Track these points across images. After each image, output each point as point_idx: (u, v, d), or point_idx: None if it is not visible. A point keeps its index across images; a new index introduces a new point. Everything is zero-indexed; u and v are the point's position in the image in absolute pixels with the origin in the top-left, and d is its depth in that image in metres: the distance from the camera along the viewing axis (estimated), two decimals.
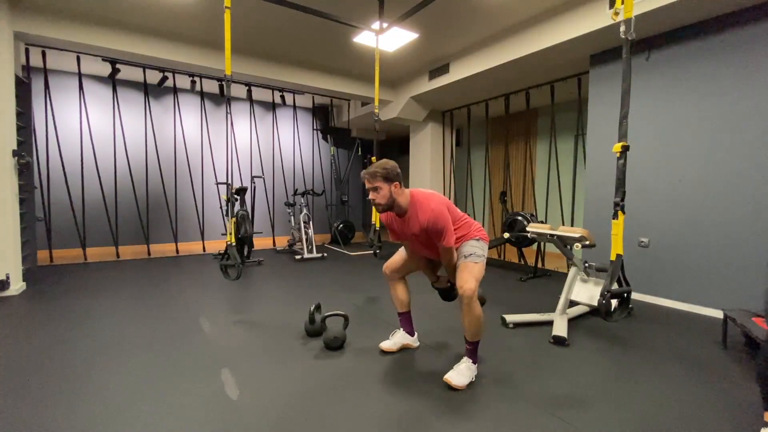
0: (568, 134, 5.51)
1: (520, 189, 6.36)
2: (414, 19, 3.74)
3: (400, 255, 2.22)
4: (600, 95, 3.89)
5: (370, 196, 1.89)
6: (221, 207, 6.46)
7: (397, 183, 1.87)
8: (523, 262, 4.99)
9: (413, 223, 1.90)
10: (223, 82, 5.31)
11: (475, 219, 6.36)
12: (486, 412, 1.67)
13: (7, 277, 3.36)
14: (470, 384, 1.89)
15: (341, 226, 6.92)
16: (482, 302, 1.96)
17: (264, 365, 2.09)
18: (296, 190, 6.57)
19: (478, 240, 2.00)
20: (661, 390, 1.90)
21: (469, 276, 1.85)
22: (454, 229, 1.94)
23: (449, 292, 2.14)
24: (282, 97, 6.34)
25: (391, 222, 2.04)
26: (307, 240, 5.51)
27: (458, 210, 2.06)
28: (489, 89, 5.33)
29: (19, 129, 3.68)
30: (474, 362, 1.94)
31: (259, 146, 6.80)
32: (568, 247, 2.87)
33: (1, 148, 3.36)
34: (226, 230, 4.62)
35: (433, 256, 2.09)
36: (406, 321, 2.31)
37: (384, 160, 1.89)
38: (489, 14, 3.79)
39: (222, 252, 4.88)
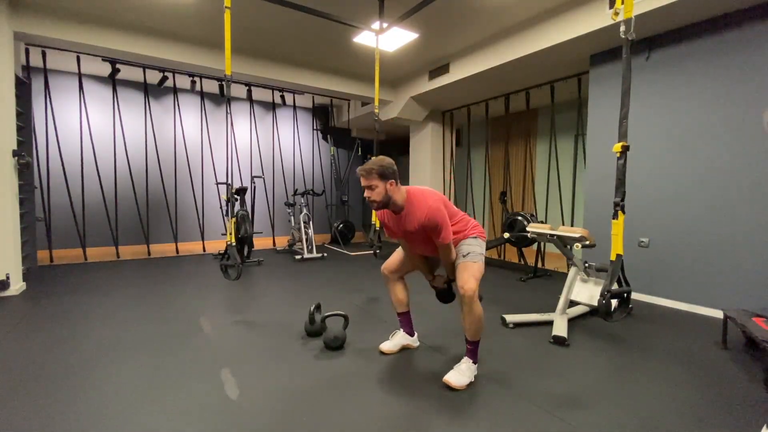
0: (568, 134, 5.51)
1: (520, 189, 6.36)
2: (414, 19, 3.74)
3: (397, 255, 2.22)
4: (600, 95, 3.89)
5: (366, 193, 1.88)
6: (221, 207, 6.46)
7: (393, 181, 1.86)
8: (523, 262, 4.99)
9: (410, 220, 1.90)
10: (223, 82, 5.30)
11: (475, 219, 6.38)
12: (486, 412, 1.67)
13: (7, 277, 3.36)
14: (470, 384, 1.89)
15: (341, 226, 6.92)
16: (479, 299, 1.95)
17: (264, 365, 2.09)
18: (296, 190, 6.57)
19: (475, 238, 2.00)
20: (661, 390, 1.90)
21: (469, 276, 1.85)
22: (452, 225, 1.93)
23: (447, 293, 2.13)
24: (282, 97, 6.34)
25: (387, 219, 2.04)
26: (307, 240, 5.51)
27: (454, 207, 2.05)
28: (489, 89, 5.33)
29: (19, 129, 3.68)
30: (474, 362, 1.94)
31: (259, 146, 6.80)
32: (568, 247, 2.87)
33: (1, 148, 3.36)
34: (226, 230, 4.62)
35: (431, 254, 2.08)
36: (406, 321, 2.31)
37: (380, 157, 1.89)
38: (489, 14, 3.79)
39: (222, 252, 4.89)
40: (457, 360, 1.98)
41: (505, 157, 6.03)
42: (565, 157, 5.42)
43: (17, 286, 3.46)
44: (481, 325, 1.90)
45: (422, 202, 1.85)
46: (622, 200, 1.93)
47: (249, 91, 5.98)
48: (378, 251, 3.75)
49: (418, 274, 2.25)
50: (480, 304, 1.89)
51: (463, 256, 1.92)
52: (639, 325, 2.86)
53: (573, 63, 4.18)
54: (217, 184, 6.19)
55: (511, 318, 2.77)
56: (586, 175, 4.11)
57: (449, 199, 3.62)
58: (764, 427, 1.46)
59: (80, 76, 4.99)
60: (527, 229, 3.20)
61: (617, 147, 1.93)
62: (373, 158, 1.91)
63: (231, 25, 2.84)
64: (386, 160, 1.87)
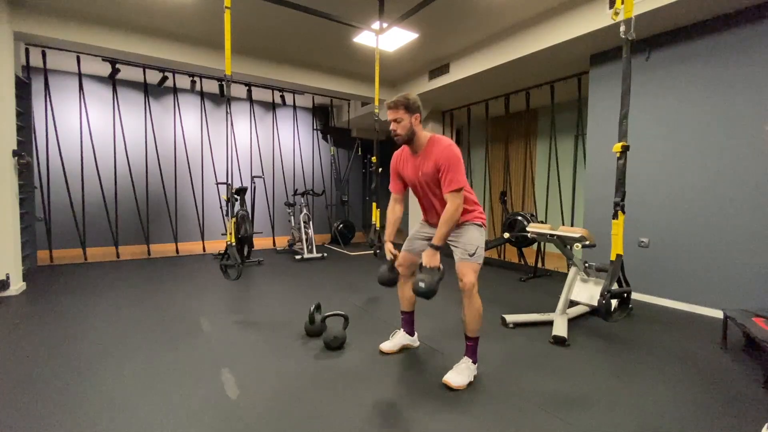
0: (568, 134, 5.51)
1: (520, 189, 6.36)
2: (414, 19, 3.74)
3: (407, 253, 2.18)
4: (600, 95, 3.89)
5: (392, 127, 1.91)
6: (221, 207, 6.46)
7: (418, 115, 1.90)
8: (523, 262, 4.99)
9: (428, 158, 1.89)
10: (223, 82, 5.31)
11: None
12: (486, 412, 1.67)
13: (7, 277, 3.36)
14: (470, 384, 1.89)
15: (341, 226, 6.92)
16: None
17: (264, 365, 2.09)
18: (296, 190, 6.57)
19: (480, 227, 1.97)
20: (661, 390, 1.90)
21: (468, 269, 1.86)
22: (465, 201, 1.90)
23: (393, 274, 2.06)
24: (282, 97, 6.33)
25: (402, 165, 2.04)
26: (307, 240, 5.51)
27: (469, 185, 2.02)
28: (489, 89, 5.33)
29: (19, 129, 3.68)
30: (474, 362, 1.94)
31: (259, 146, 6.80)
32: (568, 247, 2.87)
33: (1, 148, 3.36)
34: (226, 230, 4.62)
35: (440, 211, 1.98)
36: (408, 321, 2.31)
37: (407, 92, 1.93)
38: (489, 14, 3.79)
39: (222, 252, 4.89)
40: (457, 360, 1.98)
41: (505, 157, 6.03)
42: (565, 157, 5.42)
43: (17, 286, 3.46)
44: (480, 319, 1.90)
45: (444, 140, 1.89)
46: (622, 200, 1.94)
47: (249, 91, 5.98)
48: (378, 251, 3.75)
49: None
50: (479, 298, 1.89)
51: (470, 255, 1.89)
52: (639, 325, 2.86)
53: (573, 63, 4.18)
54: (217, 184, 6.19)
55: (511, 318, 2.77)
56: (586, 175, 4.11)
57: None
58: (764, 427, 1.46)
59: (80, 76, 4.99)
60: (527, 229, 3.20)
61: (617, 147, 1.93)
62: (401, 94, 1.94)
63: (231, 25, 2.84)
64: (413, 95, 1.90)
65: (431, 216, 2.07)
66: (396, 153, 2.10)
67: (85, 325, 2.65)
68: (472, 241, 1.91)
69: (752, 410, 1.72)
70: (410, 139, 1.92)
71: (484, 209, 6.82)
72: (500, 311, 2.99)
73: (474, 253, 1.89)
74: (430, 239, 2.02)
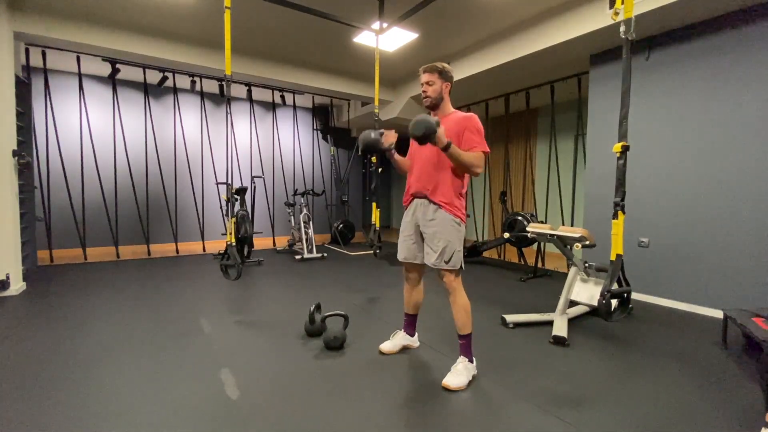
0: (568, 134, 5.51)
1: (520, 189, 6.36)
2: (414, 19, 3.74)
3: (404, 259, 2.18)
4: (600, 95, 3.89)
5: (423, 88, 1.97)
6: (221, 207, 6.46)
7: (449, 84, 1.97)
8: (523, 262, 4.99)
9: (450, 122, 1.91)
10: (223, 82, 5.31)
11: (475, 219, 6.42)
12: (486, 412, 1.67)
13: (7, 277, 3.35)
14: (469, 384, 1.89)
15: (341, 226, 6.92)
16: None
17: (264, 365, 2.09)
18: (296, 190, 6.57)
19: (458, 224, 1.92)
20: (661, 390, 1.90)
21: (446, 271, 1.90)
22: (454, 188, 1.91)
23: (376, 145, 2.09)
24: (282, 97, 6.34)
25: None
26: (307, 240, 5.51)
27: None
28: (489, 89, 5.33)
29: (19, 129, 3.68)
30: (470, 360, 1.94)
31: (259, 146, 6.80)
32: (568, 247, 2.87)
33: (1, 148, 3.36)
34: (226, 230, 4.62)
35: (432, 170, 1.94)
36: (410, 323, 2.31)
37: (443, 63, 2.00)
38: (489, 14, 3.79)
39: (222, 252, 4.89)
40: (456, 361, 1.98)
41: (505, 157, 6.03)
42: (565, 157, 5.42)
43: (17, 286, 3.46)
44: (468, 314, 1.91)
45: (470, 114, 1.93)
46: (622, 200, 1.93)
47: (249, 91, 5.98)
48: (378, 251, 3.75)
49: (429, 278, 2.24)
50: (465, 294, 1.91)
51: (445, 262, 1.87)
52: (639, 325, 2.86)
53: (573, 63, 4.18)
54: (217, 184, 6.19)
55: (511, 318, 2.77)
56: (586, 175, 4.11)
57: None
58: (763, 427, 1.46)
59: (80, 76, 4.99)
60: (527, 229, 3.20)
61: (617, 147, 1.93)
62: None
63: (231, 25, 2.84)
64: (448, 65, 1.98)
65: (418, 185, 1.99)
66: None
67: (85, 325, 2.65)
68: (448, 247, 1.87)
69: (752, 410, 1.71)
70: (437, 104, 1.98)
71: (483, 209, 6.83)
72: (500, 311, 2.99)
73: (450, 260, 1.88)
74: (415, 231, 2.03)
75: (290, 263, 5.11)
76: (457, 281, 1.91)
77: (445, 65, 1.96)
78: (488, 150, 1.88)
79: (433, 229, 1.92)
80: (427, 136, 1.72)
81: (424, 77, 1.96)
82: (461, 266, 1.94)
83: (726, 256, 3.04)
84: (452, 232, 1.90)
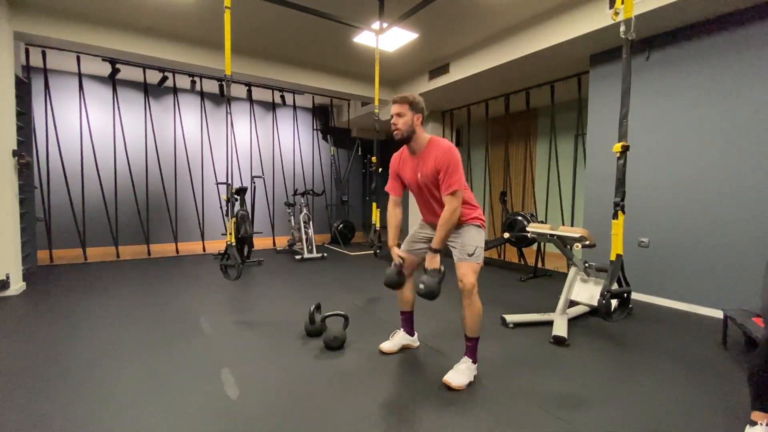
0: (568, 134, 5.51)
1: (520, 189, 6.36)
2: (414, 19, 3.74)
3: (406, 251, 2.19)
4: (600, 95, 3.89)
5: (393, 120, 1.92)
6: (221, 207, 6.46)
7: (420, 115, 1.91)
8: (523, 262, 4.99)
9: (427, 158, 1.90)
10: (223, 82, 5.31)
11: None
12: (486, 412, 1.67)
13: (7, 277, 3.35)
14: (470, 384, 1.89)
15: (341, 226, 6.92)
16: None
17: (264, 365, 2.09)
18: (296, 190, 6.58)
19: (479, 228, 1.97)
20: (661, 390, 1.90)
21: (468, 270, 1.86)
22: (464, 201, 1.92)
23: (400, 277, 2.07)
24: (282, 97, 6.33)
25: (401, 166, 2.04)
26: (307, 240, 5.51)
27: (468, 188, 2.03)
28: (489, 89, 5.33)
29: (19, 129, 3.68)
30: (474, 362, 1.94)
31: (259, 146, 6.80)
32: (568, 247, 2.87)
33: (1, 148, 3.36)
34: (226, 230, 4.62)
35: (437, 207, 2.00)
36: (408, 321, 2.31)
37: (414, 93, 1.96)
38: (489, 14, 3.79)
39: (222, 252, 4.88)
40: (458, 360, 1.98)
41: (505, 157, 6.03)
42: (565, 157, 5.42)
43: (17, 286, 3.46)
44: (480, 320, 1.90)
45: (443, 143, 1.90)
46: (622, 200, 1.94)
47: (249, 91, 5.98)
48: (378, 251, 3.75)
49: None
50: (479, 298, 1.89)
51: (468, 255, 1.89)
52: (639, 325, 2.86)
53: (573, 63, 4.18)
54: (217, 184, 6.19)
55: (511, 318, 2.77)
56: (586, 175, 4.11)
57: None
58: (748, 425, 1.46)
59: (80, 76, 4.99)
60: (527, 229, 3.20)
61: (617, 147, 1.93)
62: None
63: (231, 25, 2.84)
64: (419, 96, 1.93)
65: (430, 217, 2.08)
66: (395, 155, 2.10)
67: (85, 325, 2.65)
68: (471, 242, 1.91)
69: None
70: (409, 137, 1.92)
71: (484, 209, 6.85)
72: (500, 311, 2.99)
73: (473, 253, 1.89)
74: (429, 240, 2.03)
75: (290, 263, 5.11)
76: (475, 286, 1.87)
77: (416, 96, 1.91)
78: (464, 186, 1.87)
79: (457, 238, 1.95)
80: (437, 294, 1.84)
81: (394, 108, 1.90)
82: (481, 264, 1.93)
83: (726, 256, 3.04)
84: (473, 233, 1.95)
